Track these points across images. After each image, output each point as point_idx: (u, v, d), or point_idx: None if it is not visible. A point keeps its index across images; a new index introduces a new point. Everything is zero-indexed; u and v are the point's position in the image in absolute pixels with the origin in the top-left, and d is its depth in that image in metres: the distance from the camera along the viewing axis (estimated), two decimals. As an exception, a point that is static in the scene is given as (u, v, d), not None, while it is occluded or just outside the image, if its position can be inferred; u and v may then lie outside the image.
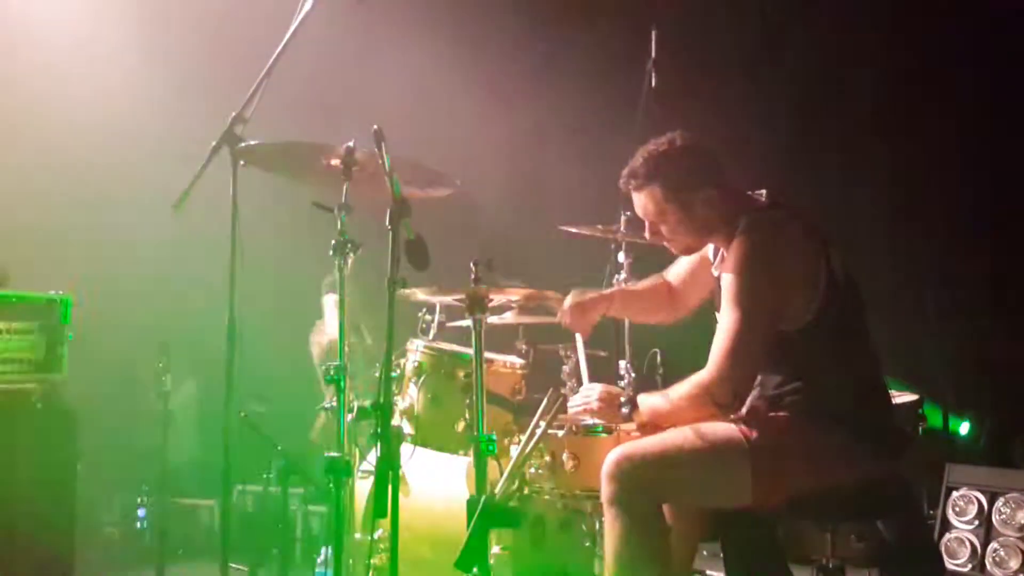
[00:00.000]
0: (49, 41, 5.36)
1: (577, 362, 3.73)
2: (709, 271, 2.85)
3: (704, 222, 2.72)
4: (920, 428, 3.66)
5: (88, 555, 4.61)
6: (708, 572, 4.32)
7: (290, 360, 4.06)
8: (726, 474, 2.54)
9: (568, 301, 3.12)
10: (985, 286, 5.65)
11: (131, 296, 5.15)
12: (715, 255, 2.84)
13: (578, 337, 3.37)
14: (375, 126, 2.56)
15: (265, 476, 4.34)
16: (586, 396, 2.85)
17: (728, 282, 2.59)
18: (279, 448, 4.03)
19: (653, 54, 3.70)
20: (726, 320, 2.58)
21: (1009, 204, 5.57)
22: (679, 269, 3.10)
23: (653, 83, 3.64)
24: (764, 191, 2.78)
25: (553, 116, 5.98)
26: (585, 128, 5.89)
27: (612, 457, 2.56)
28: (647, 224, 2.79)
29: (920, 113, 5.75)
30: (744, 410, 2.68)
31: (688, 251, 2.86)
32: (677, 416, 2.65)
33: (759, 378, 2.66)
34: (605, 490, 2.55)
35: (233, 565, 3.87)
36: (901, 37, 5.72)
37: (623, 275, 3.97)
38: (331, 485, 2.88)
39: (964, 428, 5.58)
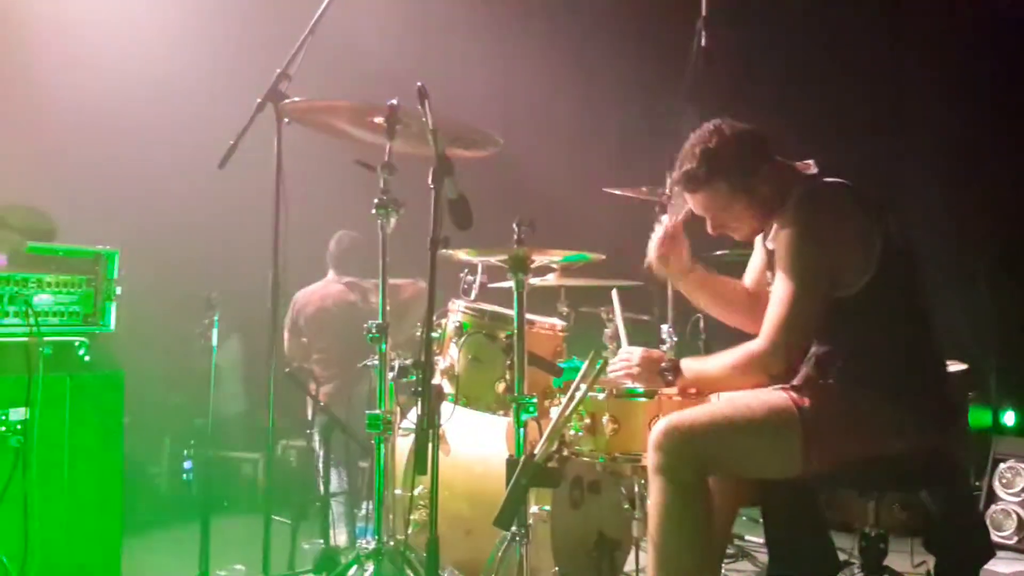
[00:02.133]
0: (88, 4, 5.39)
1: (616, 321, 3.72)
2: None
3: (768, 201, 2.67)
4: (968, 398, 3.59)
5: (135, 506, 4.73)
6: (748, 537, 4.31)
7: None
8: (776, 444, 2.51)
9: (659, 226, 2.96)
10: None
11: (177, 252, 5.21)
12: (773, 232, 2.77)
13: (615, 298, 3.32)
14: (419, 83, 2.53)
15: (308, 432, 4.39)
16: (625, 360, 2.82)
17: (781, 252, 2.55)
18: (322, 404, 4.07)
19: (704, 12, 3.62)
20: (779, 290, 2.54)
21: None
22: (751, 275, 2.98)
23: (703, 42, 3.56)
24: (812, 161, 2.72)
25: (600, 76, 5.91)
26: (632, 88, 5.82)
27: (660, 427, 2.54)
28: (709, 220, 2.73)
29: (972, 78, 5.60)
30: (800, 380, 2.64)
31: (753, 235, 2.79)
32: (725, 383, 2.62)
33: (812, 348, 2.62)
34: (652, 459, 2.53)
35: (276, 518, 3.94)
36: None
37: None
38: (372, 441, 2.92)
39: (1010, 418, 5.46)
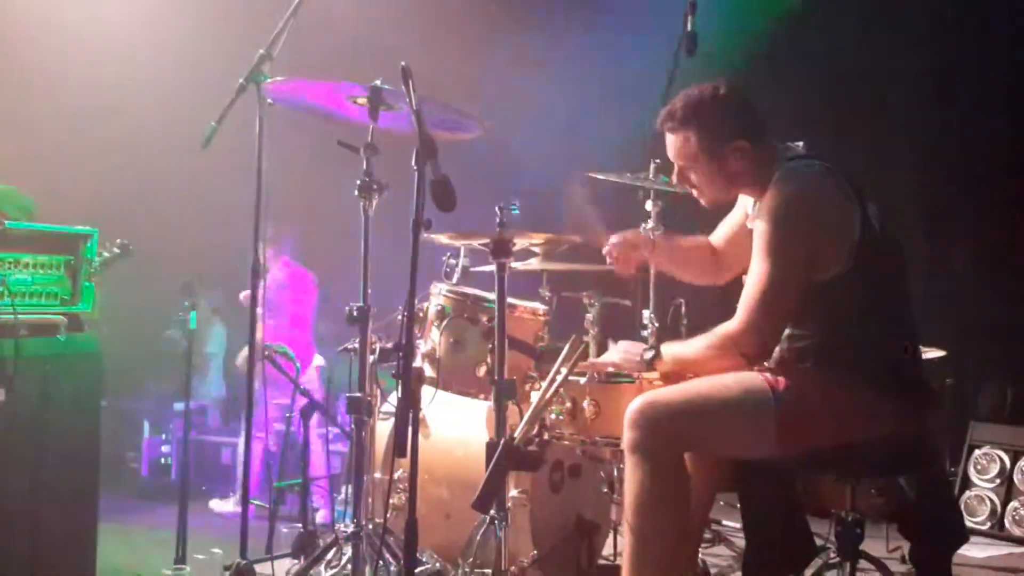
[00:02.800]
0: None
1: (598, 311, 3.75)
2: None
3: (734, 175, 2.68)
4: (945, 384, 3.62)
5: (113, 490, 4.71)
6: (724, 522, 4.34)
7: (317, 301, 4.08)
8: (750, 424, 2.53)
9: (614, 238, 3.08)
10: (1018, 240, 5.56)
11: (158, 235, 5.17)
12: (753, 209, 2.79)
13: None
14: (403, 63, 2.52)
15: (287, 415, 4.37)
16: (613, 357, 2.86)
17: (760, 232, 2.55)
18: (302, 388, 4.05)
19: (690, -3, 3.60)
20: (756, 270, 2.54)
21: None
22: (723, 230, 3.03)
23: (689, 27, 3.55)
24: (801, 143, 2.72)
25: (585, 60, 5.90)
26: (616, 73, 5.81)
27: (635, 404, 2.55)
28: (676, 168, 2.75)
29: (952, 72, 5.65)
30: (774, 362, 2.66)
31: (714, 203, 2.80)
32: (702, 365, 2.63)
33: (788, 330, 2.64)
34: (627, 437, 2.54)
35: (254, 502, 3.93)
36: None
37: (651, 223, 3.93)
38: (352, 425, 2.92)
39: (987, 402, 5.50)
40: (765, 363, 2.63)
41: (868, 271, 2.55)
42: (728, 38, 5.00)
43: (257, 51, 3.04)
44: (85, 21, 5.30)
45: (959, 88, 5.67)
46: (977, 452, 4.78)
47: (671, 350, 2.71)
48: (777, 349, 2.65)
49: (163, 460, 6.08)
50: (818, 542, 2.96)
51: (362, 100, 2.90)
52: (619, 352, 2.84)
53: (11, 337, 2.99)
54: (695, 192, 2.78)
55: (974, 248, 5.62)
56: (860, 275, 2.54)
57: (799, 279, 2.54)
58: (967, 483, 4.77)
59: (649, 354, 2.72)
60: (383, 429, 3.36)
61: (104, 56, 5.32)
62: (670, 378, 2.71)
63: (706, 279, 3.10)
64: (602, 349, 3.56)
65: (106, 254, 3.89)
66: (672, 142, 2.71)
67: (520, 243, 3.10)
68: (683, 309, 4.10)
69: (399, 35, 5.51)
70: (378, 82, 2.85)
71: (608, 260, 3.13)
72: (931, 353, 4.04)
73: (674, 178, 2.78)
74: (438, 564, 3.15)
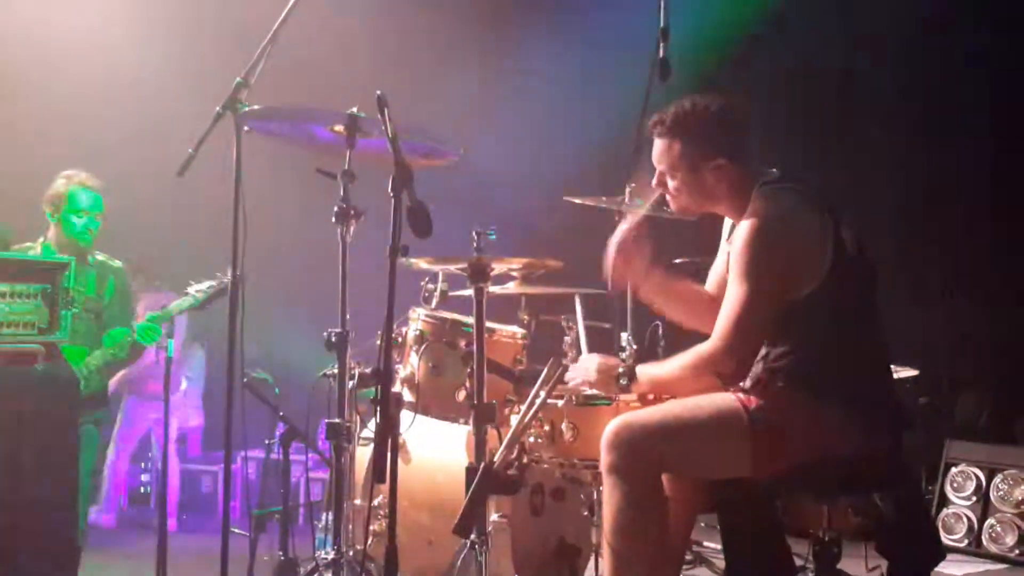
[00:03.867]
0: (52, 12, 5.36)
1: (577, 333, 3.75)
2: None
3: (710, 190, 2.74)
4: (920, 403, 3.66)
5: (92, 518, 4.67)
6: (705, 543, 4.35)
7: (293, 326, 4.07)
8: (725, 444, 2.55)
9: (612, 247, 2.95)
10: (988, 259, 5.64)
11: (136, 259, 5.16)
12: (730, 232, 2.83)
13: (578, 307, 3.35)
14: (378, 92, 2.54)
15: (267, 442, 4.35)
16: (585, 368, 2.85)
17: (735, 255, 2.59)
18: (281, 414, 4.04)
19: (662, 23, 3.65)
20: (732, 293, 2.58)
21: (1015, 174, 5.55)
22: (713, 278, 3.00)
23: (661, 53, 3.60)
24: (775, 169, 2.77)
25: (560, 86, 5.96)
26: (591, 98, 5.87)
27: (612, 426, 2.57)
28: (656, 172, 2.80)
29: (924, 88, 5.73)
30: (749, 382, 2.69)
31: (683, 212, 2.85)
32: (677, 386, 2.65)
33: (763, 350, 2.67)
34: (604, 458, 2.55)
35: (235, 530, 3.90)
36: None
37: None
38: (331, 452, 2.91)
39: (962, 420, 5.53)
40: (740, 383, 2.65)
41: (839, 291, 2.59)
42: (700, 58, 5.08)
43: (234, 79, 3.05)
44: (63, 51, 5.31)
45: (935, 106, 5.75)
46: (953, 470, 4.82)
47: (647, 372, 2.74)
48: (753, 369, 2.69)
49: (142, 489, 6.04)
50: (797, 562, 2.98)
51: (339, 128, 2.92)
52: (592, 364, 2.83)
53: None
54: (668, 197, 2.83)
55: (948, 267, 5.69)
56: (831, 295, 2.58)
57: (773, 300, 2.58)
58: (944, 501, 4.80)
59: (624, 380, 2.74)
60: (363, 455, 3.36)
61: (79, 84, 5.32)
62: (647, 400, 2.74)
63: (698, 322, 2.91)
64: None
65: (208, 288, 4.01)
66: (657, 146, 2.78)
67: (498, 267, 3.11)
68: (660, 331, 4.12)
69: (375, 61, 5.55)
70: (354, 109, 2.87)
71: (612, 254, 2.96)
72: (905, 372, 4.09)
73: (653, 181, 2.82)
74: (419, 590, 3.14)
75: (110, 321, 4.20)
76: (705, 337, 2.64)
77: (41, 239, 4.16)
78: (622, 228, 2.98)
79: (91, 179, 4.16)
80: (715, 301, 2.92)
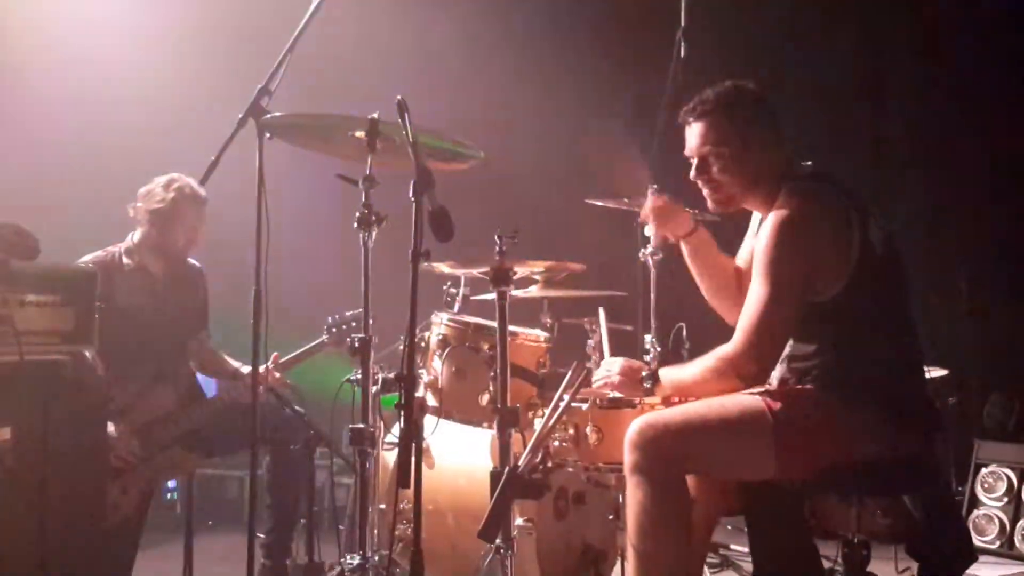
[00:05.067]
0: (74, 19, 5.41)
1: (600, 336, 3.73)
2: None
3: (754, 173, 2.67)
4: (949, 403, 3.62)
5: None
6: (732, 546, 4.32)
7: (316, 332, 4.08)
8: (749, 445, 2.52)
9: (654, 203, 2.96)
10: (1019, 258, 5.58)
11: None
12: (759, 226, 2.79)
13: (601, 312, 3.34)
14: (398, 97, 2.55)
15: (292, 448, 4.36)
16: (607, 371, 2.84)
17: (759, 252, 2.56)
18: (305, 419, 4.05)
19: (683, 22, 3.65)
20: (755, 292, 2.55)
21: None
22: (742, 255, 2.98)
23: (683, 53, 3.59)
24: (810, 162, 2.73)
25: (581, 88, 5.94)
26: (613, 100, 5.85)
27: (635, 426, 2.55)
28: (697, 160, 2.71)
29: (959, 88, 5.68)
30: (775, 383, 2.67)
31: (727, 202, 2.74)
32: (700, 389, 2.63)
33: (788, 350, 2.64)
34: (628, 458, 2.53)
35: (260, 535, 3.92)
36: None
37: (650, 248, 3.94)
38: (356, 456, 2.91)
39: (992, 421, 5.48)
40: (764, 385, 2.63)
41: (868, 292, 2.55)
42: (722, 57, 5.05)
43: (256, 86, 3.07)
44: (88, 55, 5.36)
45: (965, 103, 5.69)
46: (984, 471, 4.76)
47: (669, 375, 2.72)
48: (778, 369, 2.66)
49: (168, 495, 6.07)
50: (826, 565, 2.95)
51: (360, 133, 2.92)
52: (615, 367, 2.82)
53: (16, 375, 2.99)
54: (708, 190, 2.73)
55: (977, 266, 5.62)
56: (860, 295, 2.54)
57: (797, 300, 2.54)
58: (975, 502, 4.74)
59: (648, 383, 2.73)
60: (388, 460, 3.36)
61: (107, 96, 5.37)
62: (671, 403, 2.72)
63: (725, 295, 2.94)
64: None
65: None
66: (697, 130, 2.69)
67: (521, 271, 3.11)
68: (684, 333, 4.10)
69: (396, 68, 5.56)
70: (375, 115, 2.88)
71: (646, 221, 3.01)
72: (935, 372, 4.05)
73: (692, 172, 2.74)
74: (445, 595, 3.14)
75: (197, 326, 4.18)
76: (727, 332, 2.61)
77: (131, 241, 3.99)
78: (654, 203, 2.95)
79: (200, 190, 3.92)
80: (740, 278, 2.91)
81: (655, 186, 3.91)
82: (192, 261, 4.18)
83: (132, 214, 4.00)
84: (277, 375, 3.94)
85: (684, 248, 2.97)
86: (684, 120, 2.73)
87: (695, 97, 2.73)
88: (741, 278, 2.92)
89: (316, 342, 4.00)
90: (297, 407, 4.01)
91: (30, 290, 3.20)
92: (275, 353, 3.89)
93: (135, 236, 4.01)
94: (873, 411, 2.51)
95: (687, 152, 2.75)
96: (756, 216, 2.87)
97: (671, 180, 2.91)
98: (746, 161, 2.66)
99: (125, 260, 3.96)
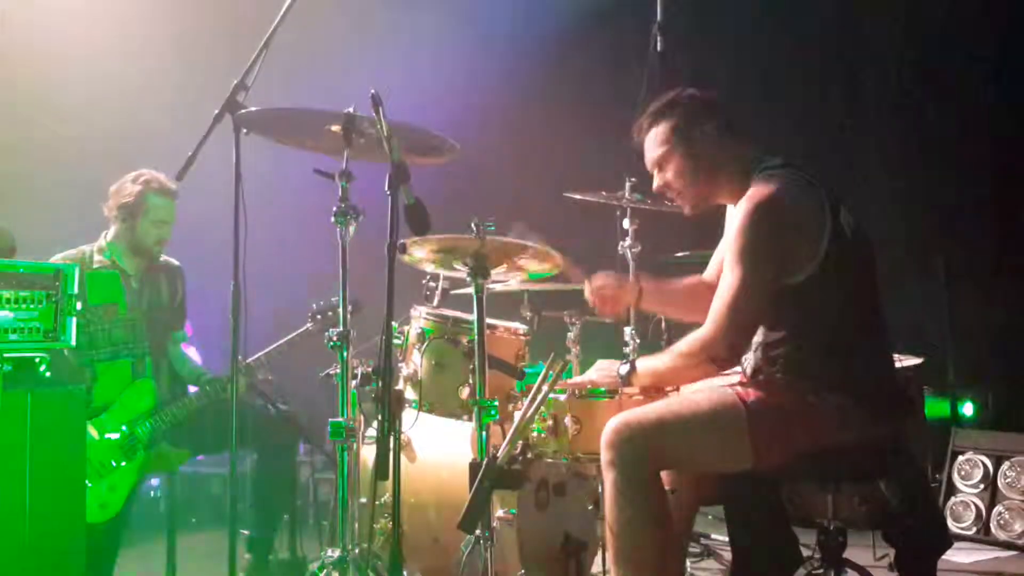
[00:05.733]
0: (52, 17, 5.38)
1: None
2: None
3: (709, 165, 2.72)
4: (924, 391, 3.65)
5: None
6: (713, 536, 4.35)
7: (295, 327, 4.08)
8: (724, 438, 2.55)
9: (597, 282, 3.10)
10: (995, 245, 5.63)
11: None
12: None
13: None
14: (372, 90, 2.55)
15: (275, 444, 4.36)
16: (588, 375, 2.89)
17: (731, 239, 2.59)
18: (288, 415, 4.06)
19: (659, 16, 3.67)
20: (727, 277, 2.58)
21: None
22: (715, 264, 3.04)
23: (659, 46, 3.61)
24: (779, 156, 2.76)
25: (557, 80, 5.96)
26: (590, 92, 5.86)
27: (611, 425, 2.57)
28: (656, 175, 2.80)
29: (931, 74, 5.71)
30: (748, 373, 2.69)
31: (697, 204, 2.80)
32: (675, 374, 2.66)
33: (760, 338, 2.67)
34: (604, 456, 2.56)
35: (244, 532, 3.92)
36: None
37: (628, 241, 3.97)
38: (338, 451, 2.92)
39: (968, 410, 5.56)
40: (734, 367, 2.66)
41: (837, 277, 2.57)
42: (699, 50, 5.08)
43: (231, 81, 3.06)
44: (60, 57, 5.34)
45: (942, 89, 5.73)
46: (960, 458, 4.81)
47: (645, 364, 2.74)
48: (751, 358, 2.69)
49: (152, 492, 6.05)
50: (804, 552, 2.97)
51: (336, 128, 2.92)
52: (596, 371, 2.87)
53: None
54: (676, 197, 2.80)
55: (954, 253, 5.67)
56: (829, 279, 2.57)
57: (769, 284, 2.57)
58: (952, 489, 4.79)
59: (624, 369, 2.75)
60: (368, 454, 3.36)
61: (83, 92, 5.34)
62: (649, 392, 2.74)
63: (700, 316, 2.93)
64: (584, 367, 3.58)
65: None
66: (648, 140, 2.78)
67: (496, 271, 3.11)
68: (663, 324, 4.13)
69: (370, 59, 5.56)
70: (351, 109, 2.88)
71: (591, 303, 3.14)
72: (910, 360, 4.08)
73: (655, 185, 2.81)
74: (426, 587, 3.15)
75: (172, 323, 4.16)
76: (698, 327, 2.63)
77: (104, 240, 4.00)
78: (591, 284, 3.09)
79: (169, 182, 3.94)
80: (712, 288, 2.93)
81: (633, 179, 3.96)
82: (169, 259, 4.16)
83: (106, 212, 3.99)
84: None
85: (642, 307, 3.13)
86: (639, 137, 2.82)
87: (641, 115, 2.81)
88: (709, 290, 2.90)
89: (301, 330, 4.00)
90: (280, 404, 4.03)
91: (7, 287, 3.19)
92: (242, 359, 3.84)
93: (108, 234, 4.00)
94: (842, 397, 2.54)
95: (647, 166, 2.82)
96: (730, 212, 2.90)
97: (647, 173, 2.92)
98: (693, 154, 2.72)
99: (97, 258, 3.94)
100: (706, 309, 2.91)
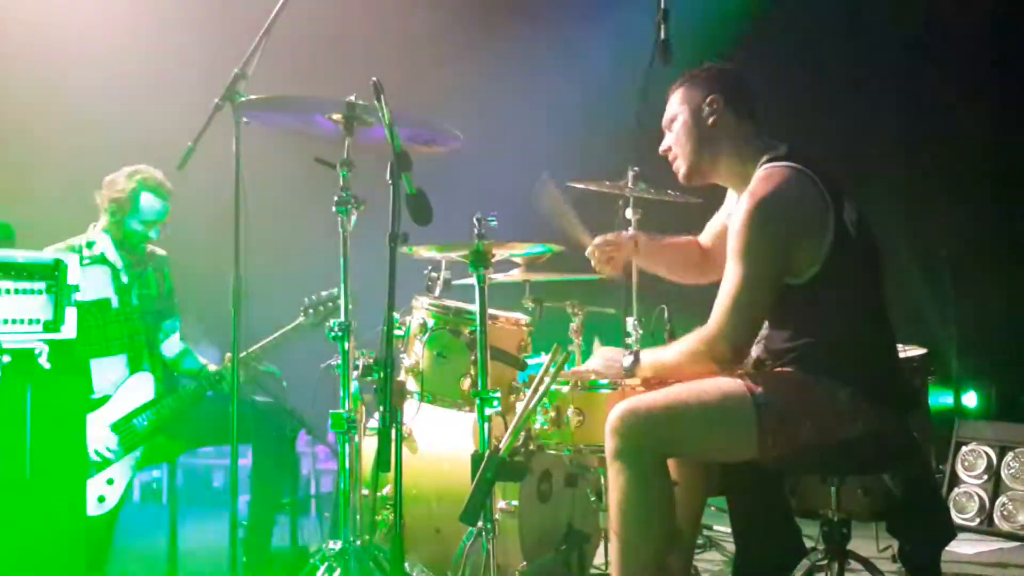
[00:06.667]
0: (51, 11, 5.37)
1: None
2: None
3: (708, 137, 2.72)
4: (928, 382, 3.63)
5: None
6: (716, 527, 4.34)
7: (294, 319, 4.06)
8: (731, 428, 2.52)
9: (597, 240, 3.12)
10: (998, 235, 5.61)
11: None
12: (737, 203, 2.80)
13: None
14: (373, 79, 2.53)
15: (276, 436, 4.35)
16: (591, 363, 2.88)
17: (733, 234, 2.56)
18: (289, 407, 4.04)
19: (663, 5, 3.63)
20: (729, 275, 2.55)
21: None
22: (711, 229, 3.06)
23: (662, 35, 3.58)
24: (786, 145, 2.73)
25: (560, 69, 5.93)
26: (594, 82, 5.84)
27: (616, 411, 2.54)
28: (670, 127, 2.82)
29: (937, 66, 5.69)
30: (751, 364, 2.67)
31: (692, 174, 2.78)
32: (678, 371, 2.63)
33: (765, 332, 2.65)
34: (609, 444, 2.53)
35: (244, 523, 3.91)
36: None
37: (631, 231, 3.95)
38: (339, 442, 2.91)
39: (971, 401, 5.55)
40: (739, 369, 2.63)
41: (842, 274, 2.55)
42: (703, 40, 5.04)
43: (232, 70, 3.04)
44: (63, 40, 5.32)
45: (943, 83, 5.70)
46: (964, 449, 4.80)
47: (650, 356, 2.72)
48: (756, 351, 2.67)
49: (154, 485, 6.05)
50: (807, 544, 2.96)
51: (337, 116, 2.90)
52: (600, 359, 2.85)
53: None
54: (675, 160, 2.80)
55: (956, 245, 5.66)
56: (834, 277, 2.54)
57: (772, 282, 2.54)
58: (955, 480, 4.78)
59: (628, 360, 2.73)
60: (370, 446, 3.35)
61: (82, 80, 5.32)
62: (651, 384, 2.72)
63: (692, 278, 3.11)
64: (586, 358, 3.57)
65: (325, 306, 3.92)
66: (672, 98, 2.82)
67: (500, 254, 3.10)
68: (666, 315, 4.10)
69: (373, 49, 5.54)
70: (352, 98, 2.85)
71: (592, 262, 3.13)
72: (914, 351, 4.06)
73: (661, 147, 2.83)
74: (428, 579, 3.14)
75: (163, 314, 4.13)
76: (708, 309, 2.61)
77: (93, 232, 3.97)
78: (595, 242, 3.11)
79: (163, 180, 3.94)
80: (706, 252, 3.05)
81: (636, 168, 3.94)
82: (155, 249, 4.14)
83: (98, 201, 3.98)
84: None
85: (637, 265, 3.14)
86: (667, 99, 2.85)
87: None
88: (705, 253, 3.07)
89: (293, 324, 3.98)
90: (280, 396, 4.01)
91: (6, 278, 3.18)
92: (228, 354, 3.80)
93: (98, 225, 3.99)
94: (850, 391, 2.51)
95: (662, 124, 2.84)
96: (731, 195, 2.88)
97: (650, 163, 2.91)
98: (696, 122, 2.73)
99: (86, 252, 3.92)
100: (695, 269, 3.07)
